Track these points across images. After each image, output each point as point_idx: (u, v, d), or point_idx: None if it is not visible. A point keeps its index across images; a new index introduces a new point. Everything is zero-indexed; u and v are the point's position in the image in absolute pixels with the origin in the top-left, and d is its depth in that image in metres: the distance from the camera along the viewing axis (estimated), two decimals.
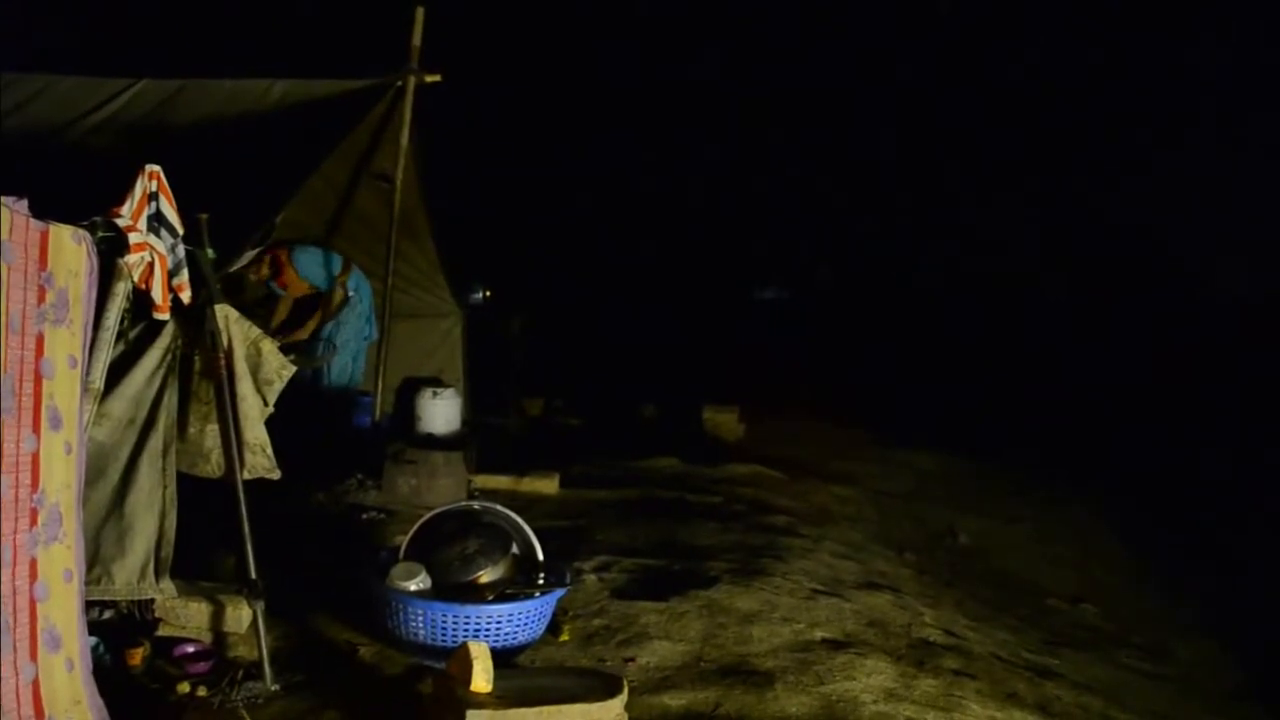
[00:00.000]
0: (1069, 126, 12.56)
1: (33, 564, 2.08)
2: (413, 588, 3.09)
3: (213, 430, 2.96)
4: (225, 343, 2.92)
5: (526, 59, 11.62)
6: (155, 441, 2.83)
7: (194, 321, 2.90)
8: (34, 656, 2.07)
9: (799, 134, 13.53)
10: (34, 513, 2.08)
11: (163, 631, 3.06)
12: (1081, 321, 11.80)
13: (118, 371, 2.73)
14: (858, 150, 13.63)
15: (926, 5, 12.57)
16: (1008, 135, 12.73)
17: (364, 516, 4.58)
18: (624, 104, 12.18)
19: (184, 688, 2.77)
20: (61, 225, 2.18)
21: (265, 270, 5.64)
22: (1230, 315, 10.70)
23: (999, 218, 12.91)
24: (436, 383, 5.60)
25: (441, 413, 5.37)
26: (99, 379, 2.49)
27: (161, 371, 2.85)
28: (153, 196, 2.61)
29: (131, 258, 2.53)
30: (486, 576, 3.17)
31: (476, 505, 3.49)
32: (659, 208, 13.48)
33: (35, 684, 2.07)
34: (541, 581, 3.24)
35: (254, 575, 2.90)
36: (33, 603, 2.07)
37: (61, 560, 2.17)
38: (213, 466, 2.98)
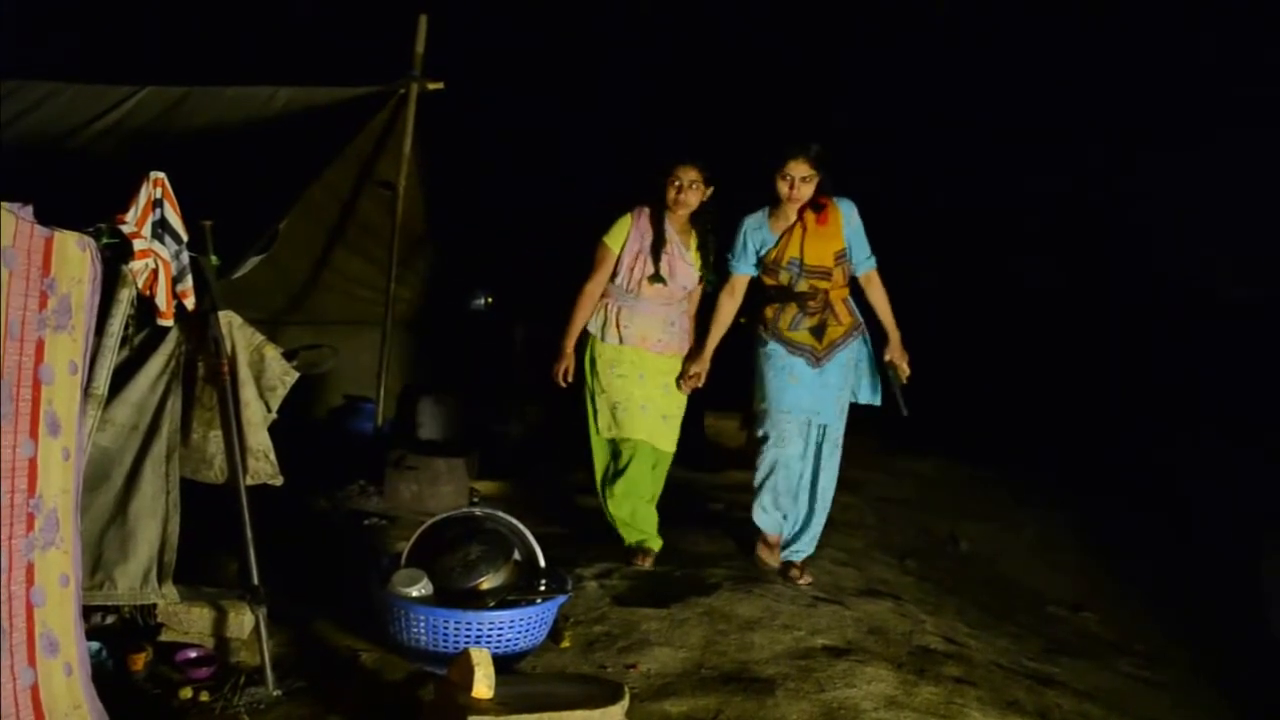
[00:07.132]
0: (1065, 127, 12.53)
1: (29, 569, 2.08)
2: (414, 594, 3.09)
3: (216, 436, 2.97)
4: (229, 349, 2.93)
5: (533, 61, 11.62)
6: (159, 447, 2.83)
7: (198, 328, 2.91)
8: (32, 661, 2.07)
9: (796, 137, 13.52)
10: (31, 518, 2.08)
11: (165, 637, 3.06)
12: (1079, 324, 11.77)
13: (122, 377, 2.74)
14: (854, 151, 13.61)
15: (921, 8, 12.54)
16: (1004, 134, 12.69)
17: (366, 523, 4.58)
18: (630, 108, 12.16)
19: (186, 693, 2.78)
20: (66, 232, 2.19)
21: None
22: (1231, 318, 10.68)
23: (995, 219, 12.88)
24: (439, 389, 5.61)
25: (444, 419, 5.38)
26: (103, 385, 2.50)
27: (165, 378, 2.86)
28: (157, 203, 2.63)
29: (136, 264, 2.55)
30: (488, 583, 3.17)
31: (478, 511, 3.50)
32: None
33: (34, 689, 2.07)
34: (543, 588, 3.24)
35: (256, 581, 2.90)
36: (30, 608, 2.08)
37: (59, 565, 2.17)
38: (216, 472, 2.99)
